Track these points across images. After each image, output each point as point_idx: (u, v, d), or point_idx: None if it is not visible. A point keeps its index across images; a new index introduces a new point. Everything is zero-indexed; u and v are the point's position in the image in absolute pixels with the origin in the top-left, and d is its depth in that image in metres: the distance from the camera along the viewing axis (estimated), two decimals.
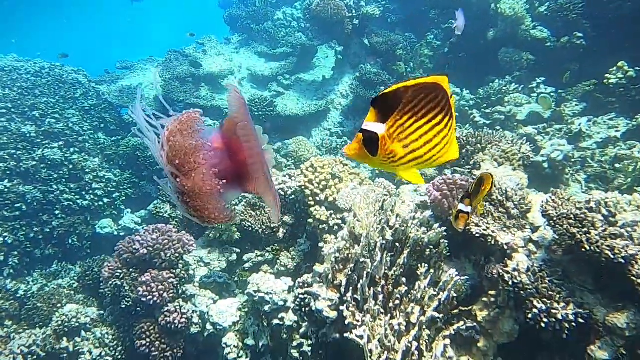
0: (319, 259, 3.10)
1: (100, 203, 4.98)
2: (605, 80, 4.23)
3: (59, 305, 3.29)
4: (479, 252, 2.37)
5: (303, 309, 2.41)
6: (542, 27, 5.36)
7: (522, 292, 1.88)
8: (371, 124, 0.90)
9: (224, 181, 1.13)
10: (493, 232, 2.13)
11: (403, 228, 2.34)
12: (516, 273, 1.91)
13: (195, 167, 1.08)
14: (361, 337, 1.92)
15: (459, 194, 2.58)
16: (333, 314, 2.24)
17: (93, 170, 5.03)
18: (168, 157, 1.08)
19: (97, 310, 3.39)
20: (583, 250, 1.80)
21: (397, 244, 2.32)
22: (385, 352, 1.89)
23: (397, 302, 2.11)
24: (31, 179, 4.60)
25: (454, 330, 2.08)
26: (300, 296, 2.43)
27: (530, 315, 1.83)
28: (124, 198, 5.23)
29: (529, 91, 5.07)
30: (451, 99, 0.96)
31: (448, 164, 3.32)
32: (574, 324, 1.79)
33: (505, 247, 2.10)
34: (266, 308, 2.92)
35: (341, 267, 2.32)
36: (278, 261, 3.24)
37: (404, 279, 2.16)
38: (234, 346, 2.95)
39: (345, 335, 2.01)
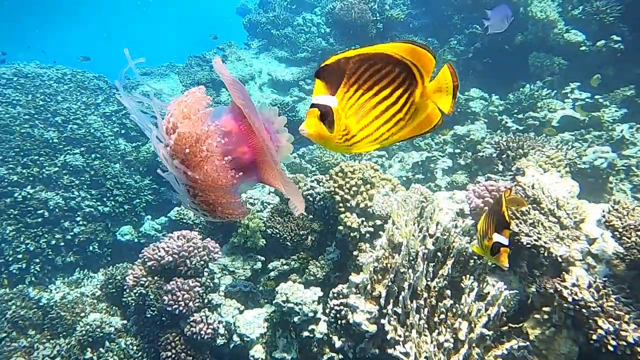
0: (350, 268, 2.97)
1: (121, 209, 4.93)
2: None
3: (82, 314, 3.20)
4: (526, 263, 2.21)
5: (339, 321, 2.28)
6: (575, 30, 5.18)
7: (583, 310, 1.72)
8: (322, 97, 0.80)
9: (240, 172, 1.00)
10: (545, 242, 1.98)
11: (445, 237, 2.20)
12: (576, 289, 1.75)
13: (208, 156, 0.95)
14: (407, 355, 1.78)
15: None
16: (372, 328, 2.10)
17: (114, 177, 4.99)
18: (176, 146, 0.95)
19: (121, 320, 3.30)
20: None
21: (439, 254, 2.18)
22: None
23: (442, 316, 1.96)
24: (53, 185, 4.56)
25: (505, 349, 1.92)
26: (336, 308, 2.29)
27: (594, 337, 1.67)
28: (144, 204, 5.17)
29: (563, 96, 4.89)
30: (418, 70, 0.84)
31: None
32: None
33: (560, 259, 1.95)
34: (295, 319, 2.79)
35: (380, 277, 2.19)
36: (306, 270, 3.11)
37: (448, 292, 2.02)
38: (262, 359, 2.82)
39: (389, 351, 1.87)
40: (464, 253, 2.14)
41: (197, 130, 0.92)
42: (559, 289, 1.79)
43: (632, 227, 1.70)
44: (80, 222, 4.61)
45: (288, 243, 3.25)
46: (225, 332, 3.01)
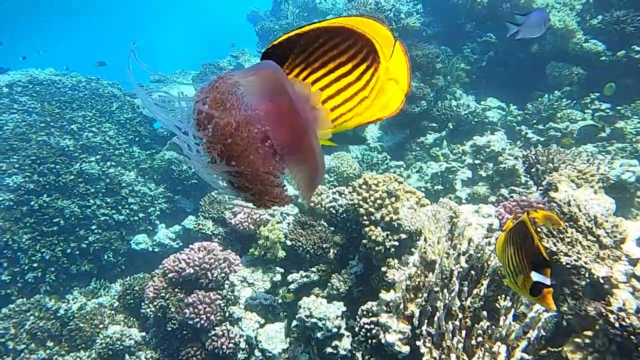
0: (374, 282, 2.92)
1: (136, 218, 4.90)
2: None
3: (101, 325, 3.17)
4: (561, 283, 2.15)
5: (369, 340, 2.22)
6: (595, 40, 5.13)
7: (632, 337, 1.66)
8: None
9: (282, 155, 0.93)
10: (586, 263, 1.92)
11: (478, 254, 2.15)
12: (623, 314, 1.69)
13: (250, 144, 0.88)
14: None
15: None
16: (405, 349, 2.05)
17: (129, 185, 4.97)
18: (214, 138, 0.87)
19: (139, 332, 3.26)
20: None
21: (472, 272, 2.13)
22: None
23: (480, 339, 1.90)
24: (69, 193, 4.54)
25: None
26: (366, 326, 2.24)
27: None
28: (159, 213, 5.14)
29: (583, 107, 4.83)
30: (383, 47, 0.77)
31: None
32: None
33: (602, 281, 1.89)
34: (318, 335, 2.74)
35: (412, 295, 2.13)
36: (329, 284, 3.06)
37: (484, 313, 1.96)
38: None
39: None
40: (499, 272, 2.09)
41: (237, 117, 0.82)
42: (604, 313, 1.73)
43: None
44: (95, 231, 4.58)
45: (312, 256, 3.20)
46: (247, 346, 2.96)
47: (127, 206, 4.87)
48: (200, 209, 3.94)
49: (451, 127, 5.16)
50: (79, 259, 4.47)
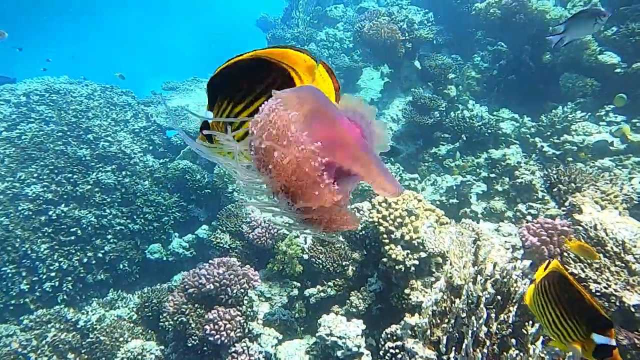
0: (393, 300, 2.93)
1: (150, 227, 4.93)
2: None
3: (121, 339, 3.19)
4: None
5: None
6: (609, 51, 5.12)
7: None
8: (207, 112, 0.84)
9: (346, 180, 0.93)
10: (616, 290, 1.92)
11: (504, 279, 2.15)
12: None
13: (316, 178, 0.86)
14: None
15: (560, 240, 2.38)
16: None
17: (144, 194, 5.00)
18: (278, 177, 0.87)
19: (157, 345, 3.29)
20: None
21: (498, 297, 2.13)
22: None
23: None
24: (86, 203, 4.58)
25: None
26: (391, 351, 2.25)
27: None
28: (172, 222, 5.17)
29: (597, 119, 4.82)
30: (303, 74, 0.82)
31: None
32: None
33: (633, 309, 1.89)
34: (339, 353, 2.76)
35: (438, 321, 2.14)
36: (348, 301, 3.07)
37: (513, 341, 1.96)
38: None
39: None
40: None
41: (297, 153, 0.80)
42: (637, 345, 1.73)
43: None
44: (111, 240, 4.62)
45: (330, 272, 3.21)
46: None
47: (141, 216, 4.90)
48: (218, 223, 3.96)
49: (464, 138, 5.17)
50: (95, 268, 4.51)
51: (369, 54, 5.92)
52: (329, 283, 3.36)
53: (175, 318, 3.05)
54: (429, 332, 2.10)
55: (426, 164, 5.13)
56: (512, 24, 6.02)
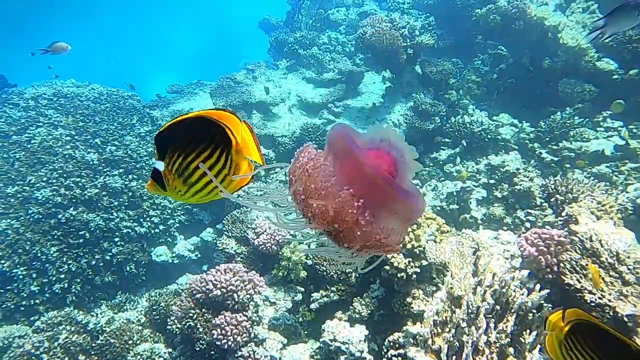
0: (395, 306, 3.02)
1: (156, 230, 5.03)
2: None
3: (130, 342, 3.29)
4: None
5: None
6: (607, 58, 5.21)
7: None
8: (157, 163, 0.97)
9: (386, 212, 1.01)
10: (610, 301, 2.02)
11: (503, 289, 2.25)
12: None
13: (357, 219, 0.94)
14: None
15: (557, 250, 2.47)
16: None
17: (150, 197, 5.09)
18: (321, 226, 0.96)
19: (165, 347, 3.39)
20: None
21: (497, 307, 2.23)
22: None
23: None
24: (94, 206, 4.67)
25: None
26: (394, 358, 2.35)
27: None
28: (178, 225, 5.27)
29: (594, 125, 4.91)
30: (236, 135, 0.96)
31: None
32: None
33: (626, 319, 1.98)
34: (342, 358, 2.85)
35: (439, 330, 2.24)
36: (351, 307, 3.17)
37: (511, 349, 2.06)
38: None
39: None
40: (524, 307, 2.19)
41: (335, 203, 0.89)
42: None
43: None
44: (118, 243, 4.71)
45: (334, 279, 3.31)
46: None
47: (148, 219, 5.00)
48: (224, 228, 4.06)
49: (464, 144, 5.26)
50: (103, 270, 4.61)
51: (370, 59, 6.01)
52: (332, 288, 3.46)
53: (183, 322, 3.15)
54: (430, 340, 2.19)
55: (427, 168, 5.22)
56: (512, 30, 6.10)
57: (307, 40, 7.35)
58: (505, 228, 3.64)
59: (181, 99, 6.79)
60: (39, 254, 4.27)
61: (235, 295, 3.17)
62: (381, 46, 5.56)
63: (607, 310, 2.01)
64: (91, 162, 4.84)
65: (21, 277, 4.15)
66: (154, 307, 3.64)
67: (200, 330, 3.10)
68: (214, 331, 3.02)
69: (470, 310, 2.18)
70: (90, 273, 4.49)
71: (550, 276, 2.42)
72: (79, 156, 4.81)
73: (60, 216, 4.42)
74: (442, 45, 7.15)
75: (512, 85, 6.19)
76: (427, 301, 2.61)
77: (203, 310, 3.19)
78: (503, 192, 4.17)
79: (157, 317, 3.63)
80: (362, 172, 0.97)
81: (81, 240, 4.49)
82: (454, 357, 2.06)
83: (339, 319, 3.05)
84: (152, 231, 4.99)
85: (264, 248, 3.57)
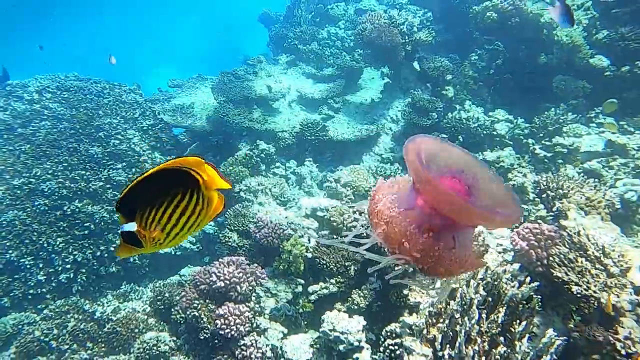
0: (392, 298, 3.14)
1: None
2: None
3: (136, 330, 3.41)
4: (569, 306, 2.38)
5: None
6: (600, 55, 5.31)
7: None
8: (125, 226, 1.04)
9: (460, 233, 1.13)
10: (595, 292, 2.14)
11: (495, 282, 2.37)
12: (629, 342, 1.92)
13: (434, 249, 1.06)
14: None
15: (547, 244, 2.59)
16: None
17: None
18: (403, 258, 1.08)
19: (170, 336, 3.51)
20: None
21: (489, 298, 2.35)
22: None
23: None
24: (98, 199, 4.77)
25: None
26: (390, 347, 2.47)
27: None
28: None
29: (587, 121, 5.03)
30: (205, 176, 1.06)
31: None
32: None
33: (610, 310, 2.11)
34: (340, 347, 2.98)
35: (434, 320, 2.36)
36: (349, 299, 3.29)
37: (501, 338, 2.19)
38: None
39: None
40: (515, 299, 2.31)
41: (421, 247, 1.03)
42: (611, 341, 1.95)
43: None
44: None
45: (334, 272, 3.42)
46: (272, 355, 3.21)
47: None
48: (226, 222, 4.17)
49: (461, 139, 5.36)
50: (107, 261, 4.72)
51: (369, 55, 6.09)
52: (332, 280, 3.58)
53: (188, 312, 3.27)
54: (425, 331, 2.32)
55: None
56: (508, 26, 6.17)
57: (306, 35, 7.41)
58: None
59: (182, 93, 6.86)
60: (46, 245, 4.38)
61: (238, 287, 3.29)
62: (380, 43, 5.64)
63: (592, 301, 2.14)
64: (95, 156, 4.93)
65: (28, 266, 4.26)
66: (159, 297, 3.76)
67: (205, 319, 3.22)
68: (217, 321, 3.14)
69: (463, 302, 2.30)
70: (95, 264, 4.60)
71: (541, 269, 2.55)
72: (83, 149, 4.90)
73: (65, 208, 4.52)
74: (440, 40, 7.23)
75: (508, 81, 6.28)
76: (423, 293, 2.73)
77: (207, 300, 3.31)
78: None
79: (162, 306, 3.75)
80: (447, 199, 1.09)
81: (86, 232, 4.60)
82: (448, 345, 2.19)
83: (338, 310, 3.18)
84: None
85: (265, 241, 3.68)
